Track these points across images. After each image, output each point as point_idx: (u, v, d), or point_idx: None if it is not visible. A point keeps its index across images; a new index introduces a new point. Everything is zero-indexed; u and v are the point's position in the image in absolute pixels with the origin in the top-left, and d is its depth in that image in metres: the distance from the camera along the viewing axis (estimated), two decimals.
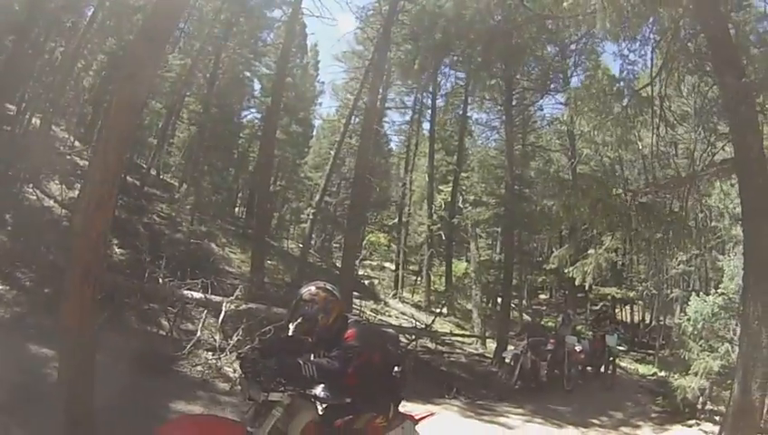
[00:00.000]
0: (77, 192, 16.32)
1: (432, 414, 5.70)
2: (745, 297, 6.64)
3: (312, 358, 4.79)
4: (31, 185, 15.86)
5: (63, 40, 19.27)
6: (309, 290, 4.83)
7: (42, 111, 18.58)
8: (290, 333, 4.77)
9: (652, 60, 8.77)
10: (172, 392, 8.42)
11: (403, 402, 5.21)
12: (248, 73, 26.52)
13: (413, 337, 15.95)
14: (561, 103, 23.30)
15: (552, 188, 12.81)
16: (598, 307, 24.16)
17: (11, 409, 6.22)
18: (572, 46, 21.33)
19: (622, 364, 18.86)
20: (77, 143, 20.52)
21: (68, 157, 19.09)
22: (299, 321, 4.71)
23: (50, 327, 8.66)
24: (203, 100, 23.94)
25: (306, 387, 4.57)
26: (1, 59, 16.47)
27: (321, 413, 4.70)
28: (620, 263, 26.06)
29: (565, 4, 9.88)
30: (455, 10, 15.14)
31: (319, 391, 4.70)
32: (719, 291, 13.47)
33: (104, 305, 8.92)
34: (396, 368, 5.08)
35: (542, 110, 25.37)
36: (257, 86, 27.55)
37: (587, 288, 16.19)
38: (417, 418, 5.41)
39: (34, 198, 15.63)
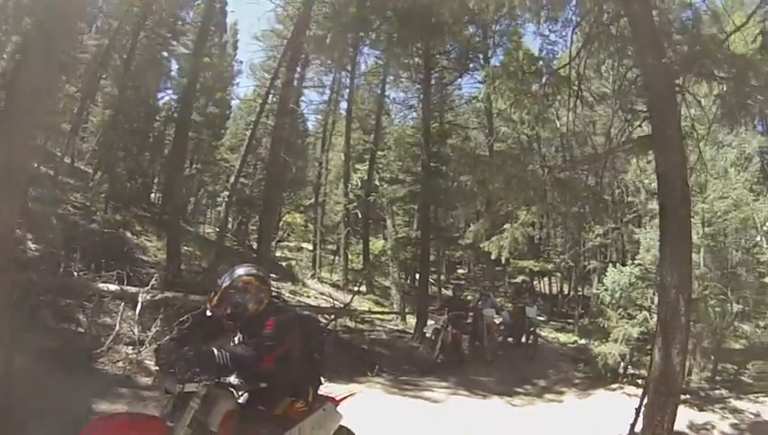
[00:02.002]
0: None
1: (353, 394, 5.77)
2: (663, 267, 6.95)
3: (235, 342, 4.88)
4: None
5: None
6: (241, 278, 4.75)
7: None
8: (207, 313, 4.73)
9: (572, 40, 8.99)
10: (94, 391, 8.21)
11: (324, 383, 5.30)
12: (165, 54, 25.53)
13: (332, 317, 16.05)
14: (479, 82, 23.67)
15: (467, 163, 12.94)
16: (517, 280, 24.75)
17: None
18: (494, 27, 21.62)
19: (543, 334, 19.43)
20: None
21: None
22: (228, 311, 4.66)
23: None
24: (119, 82, 22.90)
25: (221, 375, 4.48)
26: None
27: (240, 402, 4.73)
28: (537, 237, 26.77)
29: None
30: None
31: (232, 378, 4.66)
32: (636, 262, 14.03)
33: (19, 305, 8.74)
34: (315, 353, 5.17)
35: (460, 89, 25.65)
36: (174, 66, 26.70)
37: (504, 262, 16.52)
38: (338, 399, 5.48)
39: None
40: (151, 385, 8.39)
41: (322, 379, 5.30)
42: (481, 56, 23.12)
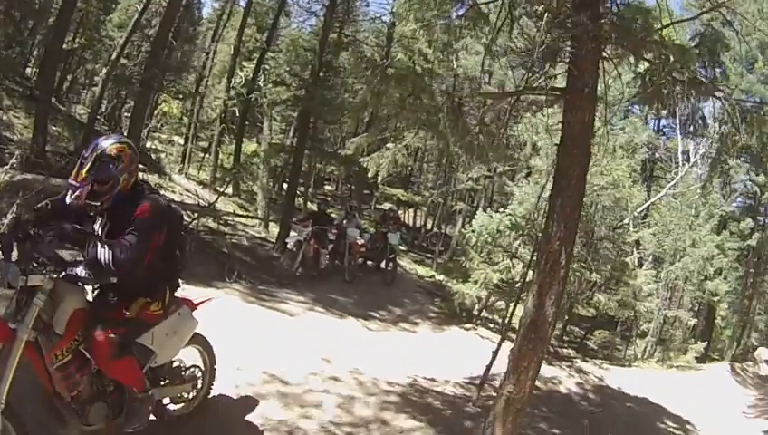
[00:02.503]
0: None
1: (210, 299, 5.52)
2: (550, 219, 6.97)
3: (96, 227, 4.26)
4: None
5: None
6: (113, 144, 4.14)
7: None
8: (67, 201, 4.06)
9: None
10: None
11: (182, 286, 4.96)
12: None
13: (195, 215, 15.42)
14: (388, 2, 23.32)
15: (364, 70, 12.67)
16: (384, 206, 24.90)
17: None
18: None
19: (402, 263, 19.54)
20: None
21: None
22: (103, 184, 4.03)
23: None
24: None
25: (71, 266, 3.88)
26: None
27: (90, 299, 4.27)
28: (410, 168, 26.97)
29: None
30: None
31: (80, 270, 3.90)
32: (507, 211, 14.26)
33: None
34: (177, 249, 4.73)
35: (368, 6, 25.37)
36: None
37: (379, 182, 16.52)
38: (195, 303, 5.19)
39: None
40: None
41: (180, 280, 4.93)
42: None
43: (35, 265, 3.71)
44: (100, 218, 4.26)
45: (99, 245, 3.85)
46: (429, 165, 28.74)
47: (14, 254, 3.77)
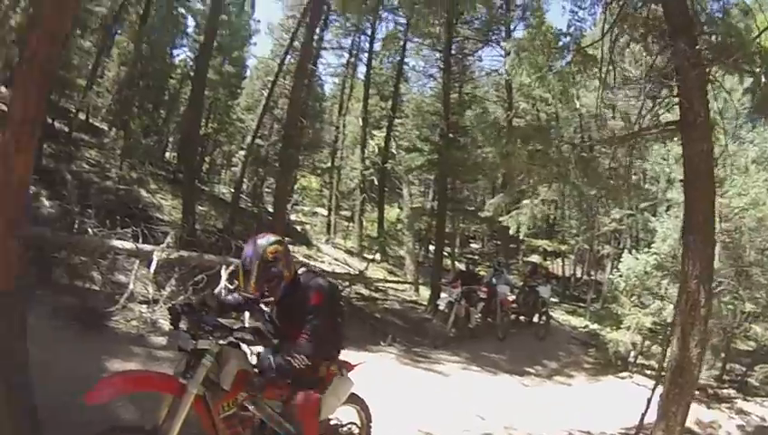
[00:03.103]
0: None
1: (365, 362, 5.62)
2: (685, 257, 6.77)
3: (266, 312, 4.87)
4: None
5: None
6: (267, 249, 4.52)
7: None
8: (224, 285, 4.72)
9: (605, 19, 8.74)
10: (107, 349, 8.11)
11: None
12: (182, 10, 25.43)
13: (347, 283, 16.03)
14: (500, 55, 23.39)
15: (490, 135, 12.77)
16: (531, 259, 24.63)
17: None
18: (518, 0, 21.43)
19: (554, 315, 19.21)
20: (2, 89, 19.41)
21: None
22: (270, 283, 4.53)
23: None
24: (134, 38, 22.69)
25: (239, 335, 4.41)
26: None
27: (254, 361, 4.63)
28: (553, 217, 26.61)
29: None
30: None
31: (246, 334, 4.47)
32: (651, 250, 13.76)
33: (32, 262, 8.65)
34: (338, 317, 5.00)
35: (481, 60, 25.62)
36: (191, 23, 26.65)
37: (520, 238, 16.41)
38: (352, 365, 5.34)
39: None
40: (165, 345, 8.44)
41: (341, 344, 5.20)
42: (503, 29, 22.79)
43: (202, 332, 4.20)
44: (274, 307, 4.82)
45: (280, 357, 4.37)
46: (571, 211, 28.18)
47: (182, 324, 4.35)
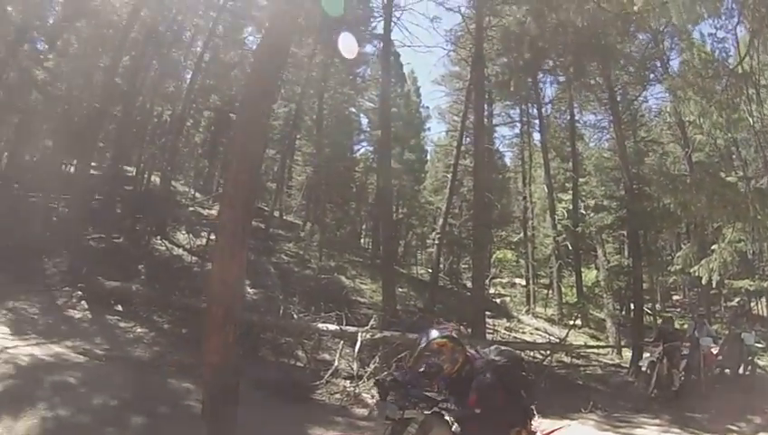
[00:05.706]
0: (203, 239, 18.24)
1: (562, 428, 5.76)
2: None
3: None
4: (159, 236, 17.58)
5: (169, 103, 20.52)
6: (435, 340, 4.92)
7: (159, 169, 20.19)
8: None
9: (743, 34, 8.31)
10: (310, 419, 8.96)
11: (537, 418, 5.26)
12: (353, 109, 27.61)
13: (548, 352, 15.86)
14: (663, 93, 22.58)
15: (665, 185, 12.26)
16: (733, 303, 23.00)
17: None
18: (662, 28, 20.66)
19: (761, 363, 17.66)
20: (197, 195, 21.85)
21: (191, 208, 20.58)
22: (423, 370, 4.93)
23: (188, 364, 9.59)
24: (314, 140, 25.19)
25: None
26: (113, 128, 17.74)
27: (454, 430, 4.81)
28: (751, 252, 24.63)
29: (635, 7, 9.62)
30: (537, 27, 14.95)
31: (450, 405, 4.78)
32: None
33: (241, 342, 9.46)
34: (522, 391, 5.10)
35: (647, 101, 24.67)
36: (364, 120, 28.50)
37: (714, 285, 15.32)
38: (546, 433, 5.42)
39: (164, 248, 17.24)
40: (367, 416, 9.33)
41: (534, 412, 5.27)
42: (659, 64, 21.96)
43: (408, 403, 4.70)
44: (441, 391, 5.01)
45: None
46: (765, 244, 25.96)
47: (390, 396, 4.89)
